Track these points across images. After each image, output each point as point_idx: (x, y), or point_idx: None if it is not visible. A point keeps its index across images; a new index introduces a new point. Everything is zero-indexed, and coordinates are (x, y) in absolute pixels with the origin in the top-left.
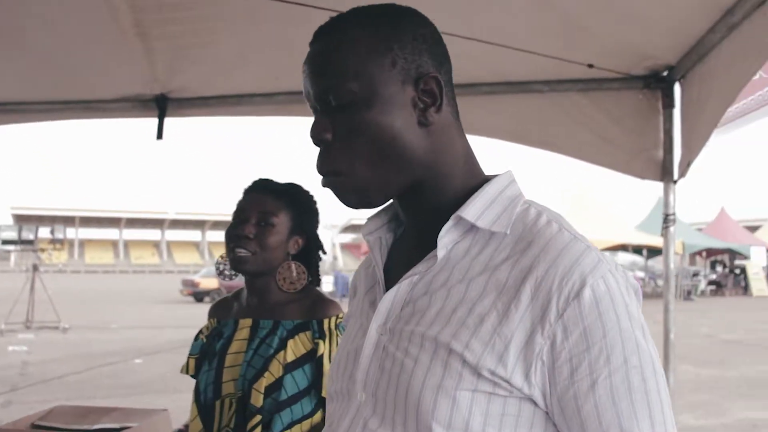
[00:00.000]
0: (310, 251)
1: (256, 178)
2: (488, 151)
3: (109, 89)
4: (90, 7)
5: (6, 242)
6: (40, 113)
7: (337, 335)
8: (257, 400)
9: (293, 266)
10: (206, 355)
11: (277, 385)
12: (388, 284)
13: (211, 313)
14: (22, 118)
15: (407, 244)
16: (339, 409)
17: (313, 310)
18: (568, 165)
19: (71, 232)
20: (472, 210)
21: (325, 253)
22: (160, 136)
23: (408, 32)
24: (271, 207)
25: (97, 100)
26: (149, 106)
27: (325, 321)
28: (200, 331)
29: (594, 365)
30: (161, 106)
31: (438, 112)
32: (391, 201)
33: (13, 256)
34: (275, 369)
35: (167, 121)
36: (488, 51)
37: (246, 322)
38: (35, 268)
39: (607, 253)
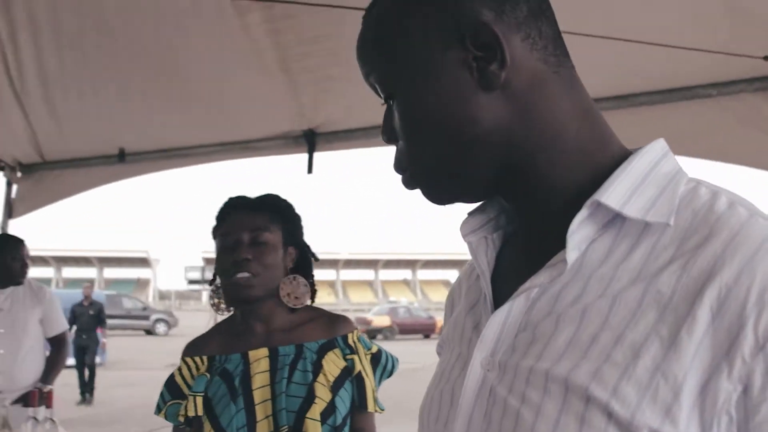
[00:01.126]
0: (305, 261)
1: (229, 199)
2: None
3: (262, 128)
4: (237, 49)
5: (192, 282)
6: (202, 156)
7: (361, 348)
8: (315, 429)
9: (297, 279)
10: (218, 397)
11: (330, 409)
12: (498, 301)
13: (192, 352)
14: (186, 162)
15: (519, 247)
16: None
17: (333, 328)
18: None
19: None
20: (616, 193)
21: (317, 259)
22: (310, 170)
23: None
24: (260, 223)
25: (252, 139)
26: (299, 141)
27: (349, 336)
28: (174, 375)
29: None
30: (310, 141)
31: (503, 68)
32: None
33: (204, 295)
34: (323, 393)
35: (316, 156)
36: (637, 52)
37: (260, 353)
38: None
39: None
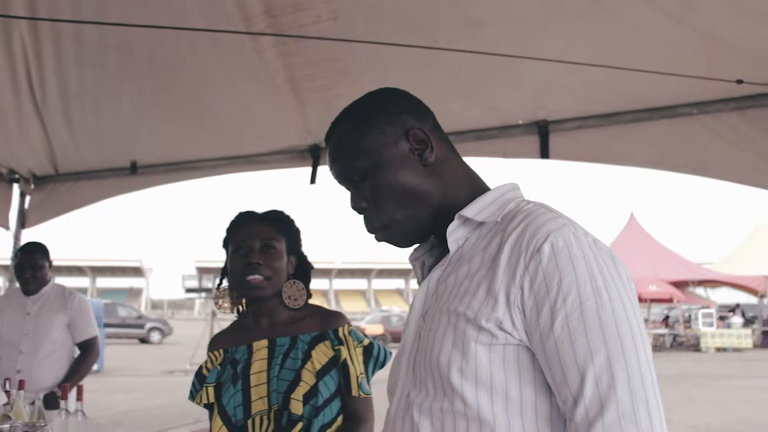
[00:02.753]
0: (304, 269)
1: (240, 213)
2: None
3: (268, 143)
4: (249, 69)
5: (189, 290)
6: (209, 169)
7: (351, 340)
8: (297, 408)
9: (297, 284)
10: (224, 382)
11: (313, 391)
12: None
13: (213, 347)
14: (194, 175)
15: (438, 256)
16: (393, 397)
17: (325, 322)
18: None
19: None
20: (471, 209)
21: (313, 268)
22: (313, 181)
23: (387, 106)
24: (270, 233)
25: (258, 153)
26: (304, 156)
27: (340, 329)
28: (202, 367)
29: (553, 308)
30: (315, 155)
31: (432, 153)
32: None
33: (197, 304)
34: (308, 378)
35: (319, 169)
36: (625, 77)
37: (262, 343)
38: (213, 314)
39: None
